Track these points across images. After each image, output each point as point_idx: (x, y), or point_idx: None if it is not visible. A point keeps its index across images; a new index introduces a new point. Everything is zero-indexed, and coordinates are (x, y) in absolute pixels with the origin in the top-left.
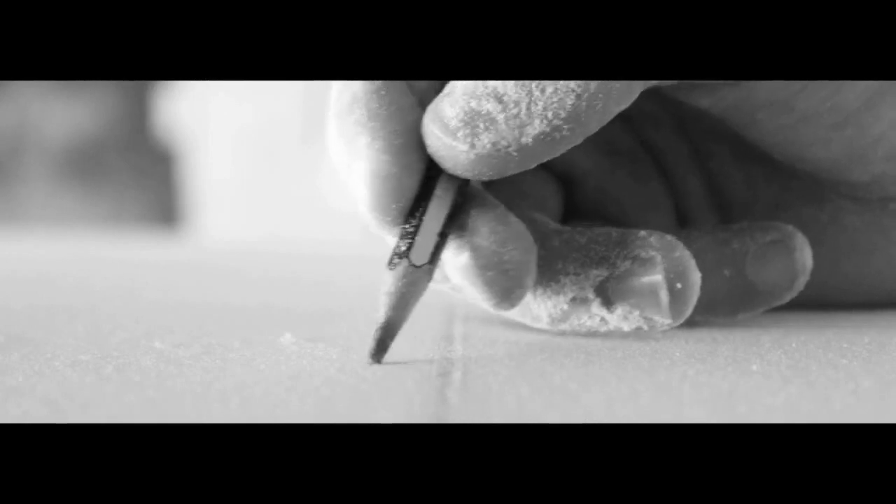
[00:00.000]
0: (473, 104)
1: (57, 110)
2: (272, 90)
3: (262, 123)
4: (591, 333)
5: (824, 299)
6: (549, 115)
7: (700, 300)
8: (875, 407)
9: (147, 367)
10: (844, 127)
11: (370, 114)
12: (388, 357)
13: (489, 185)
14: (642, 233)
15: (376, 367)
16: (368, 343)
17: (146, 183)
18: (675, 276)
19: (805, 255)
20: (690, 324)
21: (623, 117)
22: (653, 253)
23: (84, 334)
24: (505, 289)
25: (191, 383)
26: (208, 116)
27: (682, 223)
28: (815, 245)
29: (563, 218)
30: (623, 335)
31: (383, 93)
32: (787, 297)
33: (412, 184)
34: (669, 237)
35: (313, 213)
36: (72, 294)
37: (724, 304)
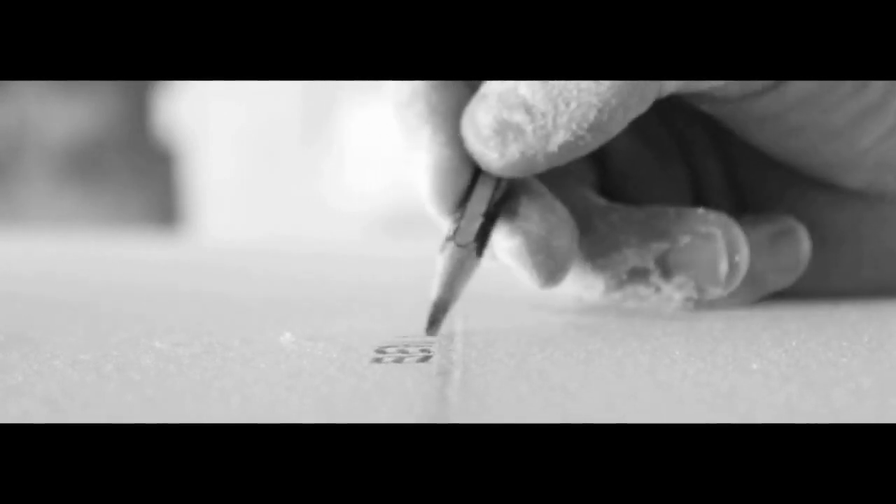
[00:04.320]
0: (505, 115)
1: (57, 110)
2: (272, 90)
3: (262, 123)
4: (641, 300)
5: (825, 285)
6: (574, 126)
7: None
8: (875, 406)
9: (147, 367)
10: (832, 140)
11: (431, 108)
12: (387, 357)
13: None
14: (700, 210)
15: (376, 366)
16: (424, 319)
17: (146, 183)
18: (733, 250)
19: (806, 246)
20: (692, 319)
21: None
22: (713, 228)
23: (84, 333)
24: (551, 271)
25: (191, 382)
26: (208, 116)
27: (698, 204)
28: (817, 229)
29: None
30: (623, 336)
31: (444, 88)
32: (789, 283)
33: (468, 175)
34: (724, 215)
35: (313, 213)
36: (71, 293)
37: (737, 289)
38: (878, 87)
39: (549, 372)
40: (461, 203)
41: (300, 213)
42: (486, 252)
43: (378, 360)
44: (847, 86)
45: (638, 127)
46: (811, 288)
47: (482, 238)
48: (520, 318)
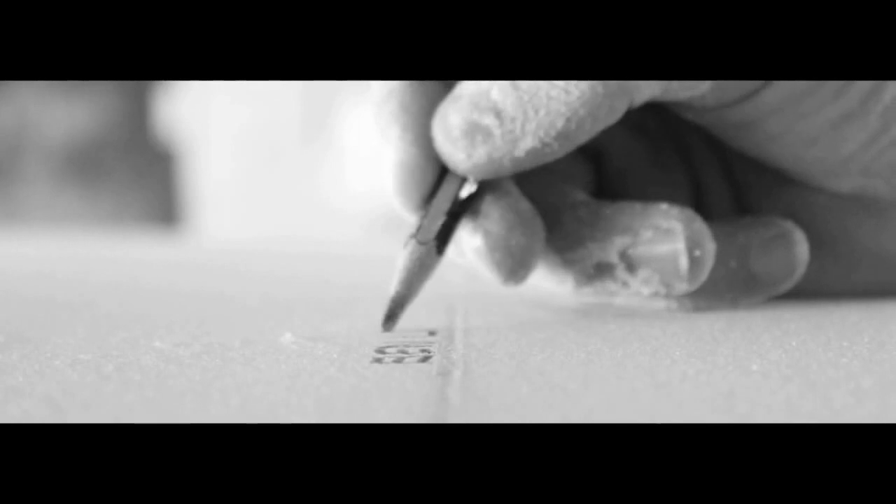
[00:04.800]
0: (475, 117)
1: (57, 110)
2: (272, 90)
3: (262, 124)
4: (612, 296)
5: (820, 287)
6: (541, 133)
7: (706, 287)
8: (875, 406)
9: (147, 367)
10: (812, 146)
11: (402, 107)
12: (388, 357)
13: None
14: (664, 205)
15: (377, 366)
16: (381, 314)
17: (146, 183)
18: (693, 245)
19: (803, 249)
20: (692, 319)
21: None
22: (674, 223)
23: (84, 333)
24: (511, 269)
25: (191, 382)
26: (208, 116)
27: (697, 205)
28: (812, 230)
29: (592, 194)
30: (623, 336)
31: (417, 88)
32: (786, 288)
33: (434, 174)
34: (688, 210)
35: (313, 213)
36: (72, 293)
37: (728, 291)
38: (857, 92)
39: (549, 372)
40: (426, 201)
41: (300, 213)
42: (454, 250)
43: (378, 361)
44: (825, 91)
45: (634, 126)
46: (806, 289)
47: (444, 236)
48: (520, 318)
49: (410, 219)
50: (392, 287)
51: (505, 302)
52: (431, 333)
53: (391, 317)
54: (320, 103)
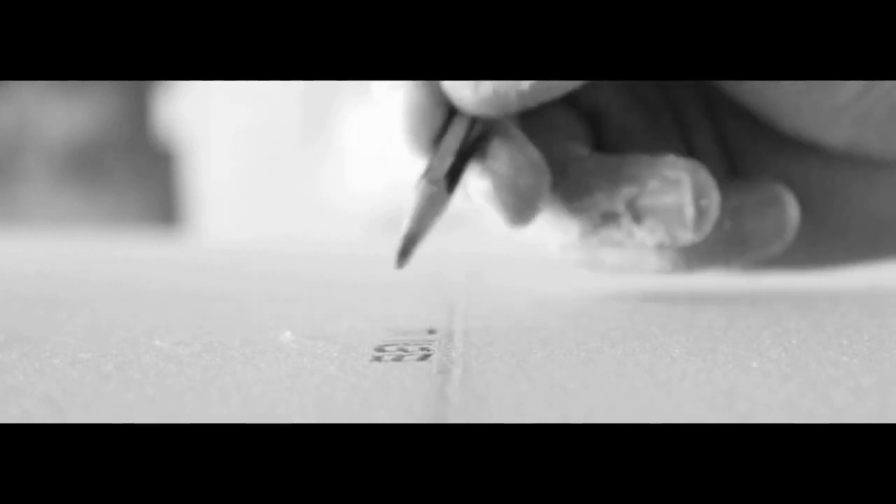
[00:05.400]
0: None
1: (57, 110)
2: (272, 90)
3: (262, 123)
4: (616, 246)
5: (812, 250)
6: None
7: (700, 250)
8: (875, 406)
9: (147, 366)
10: (809, 92)
11: None
12: (387, 355)
13: (523, 117)
14: (670, 157)
15: (376, 365)
16: (394, 251)
17: (146, 183)
18: (699, 194)
19: (794, 211)
20: (691, 317)
21: None
22: (681, 173)
23: (84, 332)
24: (518, 210)
25: (191, 381)
26: (208, 116)
27: None
28: (805, 193)
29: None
30: (623, 335)
31: None
32: (777, 249)
33: (441, 115)
34: (694, 161)
35: (313, 213)
36: (71, 292)
37: (723, 253)
38: None
39: (549, 371)
40: (435, 143)
41: (300, 213)
42: (461, 195)
43: (378, 359)
44: None
45: (630, 89)
46: (798, 253)
47: (454, 175)
48: (520, 317)
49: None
50: (404, 225)
51: (505, 301)
52: (431, 332)
53: (404, 253)
54: (320, 103)
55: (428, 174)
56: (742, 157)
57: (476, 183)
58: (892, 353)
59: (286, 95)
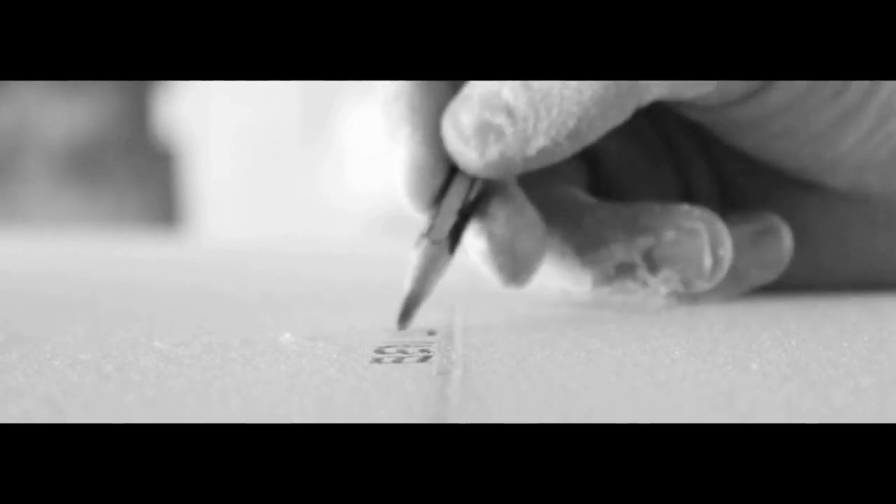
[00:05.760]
0: (487, 116)
1: (57, 110)
2: (272, 90)
3: (262, 123)
4: (629, 294)
5: (813, 282)
6: (553, 132)
7: None
8: (875, 406)
9: (147, 367)
10: (812, 143)
11: (412, 107)
12: (387, 357)
13: None
14: (685, 206)
15: (376, 366)
16: (396, 313)
17: (146, 183)
18: (716, 244)
19: (788, 242)
20: (691, 318)
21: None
22: (697, 223)
23: (84, 333)
24: (514, 272)
25: (190, 382)
26: (208, 116)
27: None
28: (803, 230)
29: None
30: (623, 336)
31: (426, 88)
32: (772, 278)
33: (443, 174)
34: (708, 210)
35: (313, 213)
36: (71, 293)
37: (722, 287)
38: (856, 90)
39: (549, 372)
40: (436, 201)
41: (300, 213)
42: (460, 249)
43: (378, 361)
44: (827, 90)
45: (628, 129)
46: (800, 285)
47: (455, 235)
48: (520, 318)
49: (420, 218)
50: (406, 286)
51: (505, 302)
52: (431, 333)
53: (406, 315)
54: (320, 103)
55: (430, 234)
56: (739, 193)
57: (473, 242)
58: (892, 353)
59: (286, 95)
